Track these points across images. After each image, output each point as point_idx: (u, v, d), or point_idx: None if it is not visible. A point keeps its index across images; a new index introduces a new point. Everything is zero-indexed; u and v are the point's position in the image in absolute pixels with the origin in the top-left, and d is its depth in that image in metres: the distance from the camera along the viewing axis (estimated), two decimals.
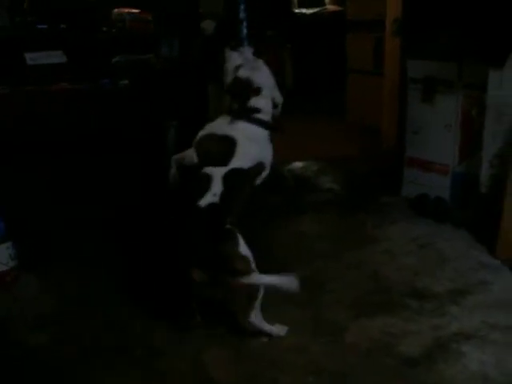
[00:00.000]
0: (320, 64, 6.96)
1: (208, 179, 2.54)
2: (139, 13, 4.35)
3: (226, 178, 2.56)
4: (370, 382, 2.25)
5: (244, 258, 2.43)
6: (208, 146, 2.70)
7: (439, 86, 3.70)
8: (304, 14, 7.52)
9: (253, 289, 2.46)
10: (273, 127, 2.81)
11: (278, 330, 2.57)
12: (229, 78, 2.81)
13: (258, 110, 2.76)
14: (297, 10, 7.69)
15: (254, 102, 2.76)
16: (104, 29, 4.16)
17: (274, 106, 2.86)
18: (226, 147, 2.64)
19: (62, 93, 3.65)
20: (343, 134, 5.74)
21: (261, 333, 2.53)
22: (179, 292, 2.56)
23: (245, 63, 2.80)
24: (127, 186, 3.62)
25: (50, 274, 3.13)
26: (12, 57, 3.59)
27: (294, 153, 4.98)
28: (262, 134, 2.78)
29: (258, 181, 2.77)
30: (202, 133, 2.77)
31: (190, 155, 2.71)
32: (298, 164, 4.92)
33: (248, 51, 2.90)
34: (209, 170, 2.57)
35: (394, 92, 4.72)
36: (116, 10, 4.33)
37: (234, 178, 2.58)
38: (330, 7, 7.63)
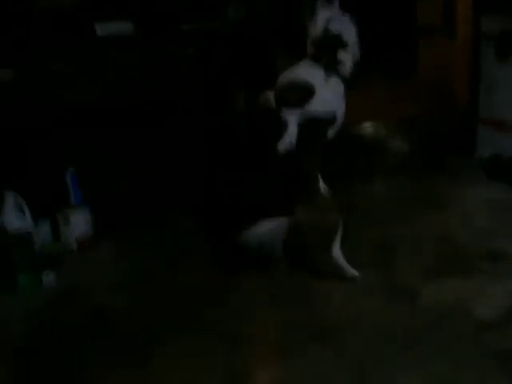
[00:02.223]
0: (390, 24, 6.76)
1: (284, 122, 2.68)
2: None
3: (301, 120, 2.70)
4: (443, 346, 2.21)
5: (326, 192, 2.67)
6: (286, 90, 2.80)
7: None
8: None
9: (335, 222, 2.63)
10: (350, 82, 2.88)
11: (352, 270, 2.68)
12: (318, 30, 2.84)
13: (342, 64, 2.83)
14: None
15: (340, 55, 2.83)
16: None
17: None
18: (303, 92, 2.75)
19: (131, 61, 3.69)
20: (415, 94, 5.58)
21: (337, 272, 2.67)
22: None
23: (335, 17, 2.85)
24: (195, 153, 3.65)
25: (127, 239, 3.22)
26: (82, 28, 3.66)
27: (364, 114, 4.91)
28: (340, 86, 2.85)
29: (331, 132, 2.85)
30: (282, 77, 2.87)
31: (268, 97, 2.81)
32: (367, 125, 4.84)
33: (336, 6, 2.91)
34: (284, 112, 2.70)
35: (467, 49, 4.55)
36: None
37: (308, 122, 2.71)
38: None
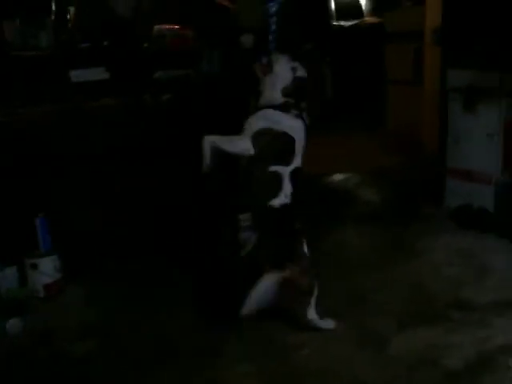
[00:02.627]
0: (360, 76, 6.93)
1: (279, 178, 2.65)
2: (179, 29, 4.41)
3: (292, 177, 2.68)
4: None
5: (308, 258, 2.63)
6: (267, 141, 2.73)
7: (481, 95, 3.65)
8: (342, 27, 7.53)
9: (312, 286, 2.59)
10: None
11: (326, 323, 2.65)
12: (286, 80, 2.83)
13: (306, 110, 2.86)
14: (335, 23, 7.69)
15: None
16: (145, 45, 4.23)
17: None
18: (286, 145, 2.74)
19: (105, 108, 3.72)
20: (384, 145, 5.69)
21: (314, 328, 2.63)
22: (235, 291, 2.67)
23: (297, 66, 2.88)
24: (168, 198, 3.65)
25: (94, 285, 3.18)
26: (57, 75, 3.68)
27: (335, 165, 4.97)
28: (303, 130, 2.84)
29: None
30: (258, 125, 2.77)
31: (241, 144, 2.73)
32: (338, 176, 4.88)
33: (287, 56, 2.94)
34: (278, 168, 2.66)
35: (434, 101, 4.67)
36: (157, 27, 4.41)
37: (297, 178, 2.70)
38: (369, 19, 7.62)
